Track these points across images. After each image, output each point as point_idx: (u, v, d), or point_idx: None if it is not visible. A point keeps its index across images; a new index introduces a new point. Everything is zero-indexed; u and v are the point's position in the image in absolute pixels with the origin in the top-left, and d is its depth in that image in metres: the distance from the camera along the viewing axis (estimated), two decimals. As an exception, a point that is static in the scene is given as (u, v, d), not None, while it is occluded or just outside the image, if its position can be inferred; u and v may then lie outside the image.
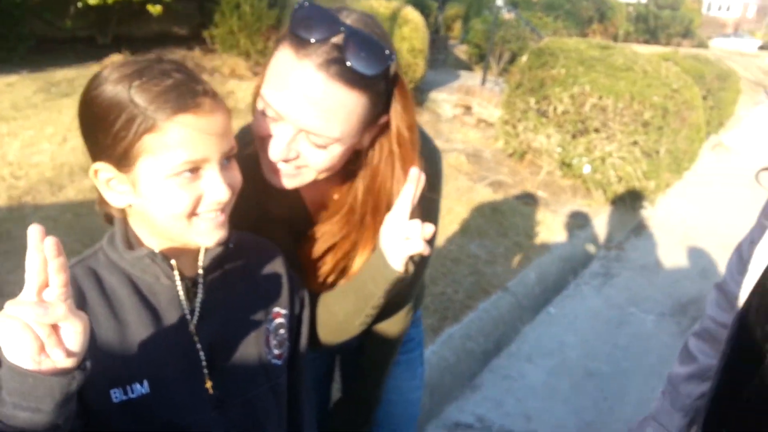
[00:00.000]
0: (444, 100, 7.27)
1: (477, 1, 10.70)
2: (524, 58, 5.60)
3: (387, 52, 0.90)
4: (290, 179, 0.99)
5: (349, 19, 0.91)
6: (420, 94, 7.23)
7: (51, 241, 0.61)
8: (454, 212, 4.18)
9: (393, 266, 0.96)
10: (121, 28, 7.28)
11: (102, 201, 0.84)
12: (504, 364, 3.07)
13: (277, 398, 0.99)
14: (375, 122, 0.97)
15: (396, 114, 0.98)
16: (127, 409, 0.82)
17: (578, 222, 4.62)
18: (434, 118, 7.04)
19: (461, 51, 10.68)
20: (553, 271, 3.88)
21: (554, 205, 4.76)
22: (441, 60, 9.24)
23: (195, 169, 0.79)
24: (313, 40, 0.87)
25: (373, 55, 0.89)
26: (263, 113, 0.94)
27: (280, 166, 0.97)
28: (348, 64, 0.87)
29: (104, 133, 0.76)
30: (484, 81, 7.52)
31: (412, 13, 6.79)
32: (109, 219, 0.88)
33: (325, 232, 1.09)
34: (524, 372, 3.03)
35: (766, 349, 1.11)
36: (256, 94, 0.97)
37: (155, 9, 6.53)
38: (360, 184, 1.05)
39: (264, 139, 0.95)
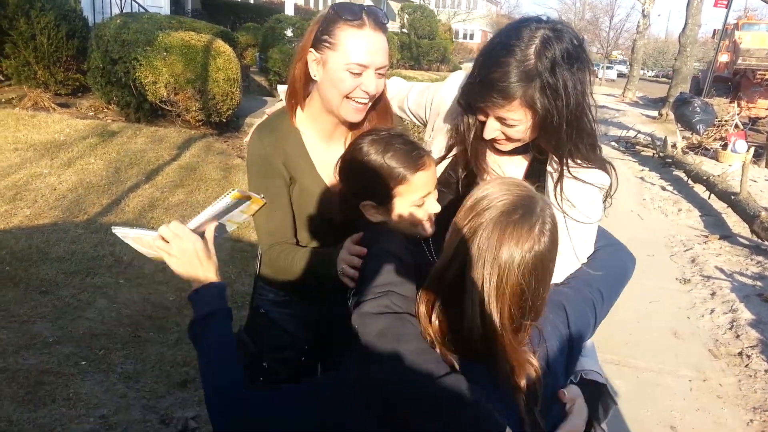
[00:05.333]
0: (260, 125, 7.83)
1: (271, 31, 11.36)
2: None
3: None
4: (362, 113, 1.47)
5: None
6: (237, 120, 7.72)
7: None
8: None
9: None
10: None
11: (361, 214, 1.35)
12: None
13: None
14: None
15: None
16: None
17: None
18: (253, 142, 7.58)
19: (261, 78, 11.27)
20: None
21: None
22: (245, 87, 9.75)
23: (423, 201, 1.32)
24: (359, 17, 1.38)
25: (382, 13, 1.45)
26: (349, 73, 1.38)
27: (361, 104, 1.44)
28: (380, 19, 1.41)
29: (372, 185, 1.28)
30: (293, 106, 8.23)
31: (224, 46, 7.25)
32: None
33: None
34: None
35: None
36: (305, 74, 1.45)
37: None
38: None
39: (352, 89, 1.40)
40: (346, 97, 1.41)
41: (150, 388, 2.78)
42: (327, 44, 1.39)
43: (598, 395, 1.21)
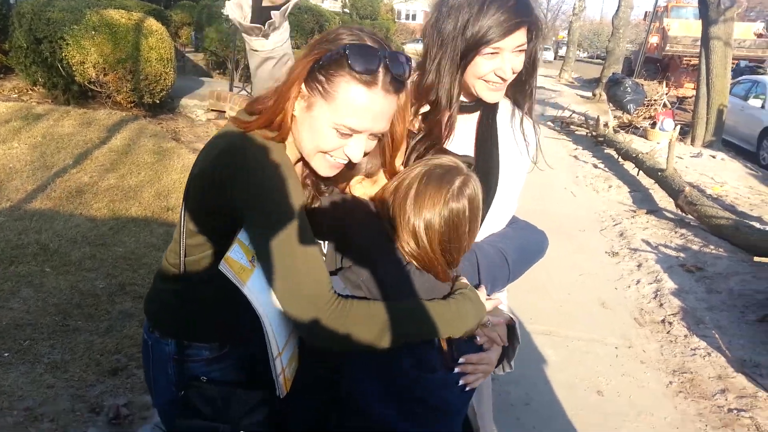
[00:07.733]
0: (196, 106, 7.63)
1: (207, 10, 11.02)
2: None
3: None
4: (336, 169, 1.20)
5: (370, 40, 1.10)
6: (171, 101, 7.49)
7: None
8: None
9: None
10: None
11: None
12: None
13: None
14: None
15: None
16: None
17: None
18: (189, 123, 7.39)
19: (197, 58, 10.94)
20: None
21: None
22: (180, 67, 9.45)
23: None
24: (372, 72, 1.08)
25: (405, 60, 1.13)
26: (336, 132, 1.12)
27: (339, 163, 1.17)
28: (399, 77, 1.11)
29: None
30: (231, 87, 8.06)
31: (156, 24, 6.99)
32: None
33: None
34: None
35: None
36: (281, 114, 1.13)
37: None
38: None
39: (333, 149, 1.14)
40: (322, 152, 1.16)
41: (79, 377, 2.70)
42: (320, 90, 1.11)
43: (512, 335, 1.36)
